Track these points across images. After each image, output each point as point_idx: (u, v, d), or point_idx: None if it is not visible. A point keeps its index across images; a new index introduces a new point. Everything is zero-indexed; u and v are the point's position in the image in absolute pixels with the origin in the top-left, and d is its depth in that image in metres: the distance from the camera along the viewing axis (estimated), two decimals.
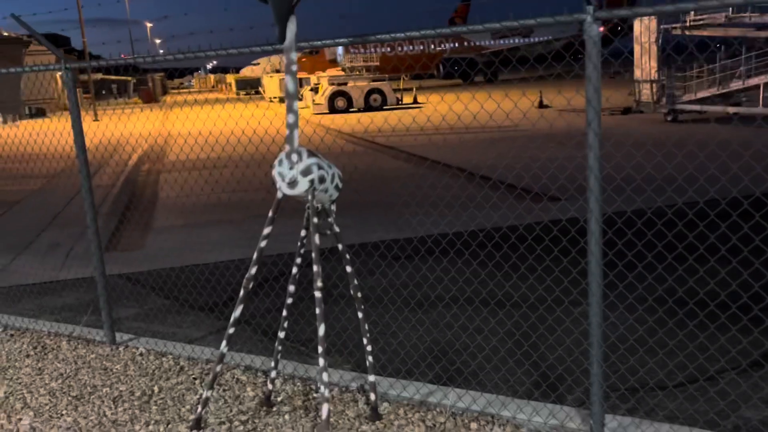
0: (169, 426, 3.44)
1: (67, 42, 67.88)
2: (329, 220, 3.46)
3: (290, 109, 3.27)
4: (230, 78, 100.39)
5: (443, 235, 6.32)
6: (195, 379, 4.05)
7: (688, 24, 17.80)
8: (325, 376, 3.09)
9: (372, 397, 3.52)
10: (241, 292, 3.40)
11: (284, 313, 3.62)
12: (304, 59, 62.90)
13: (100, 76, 64.43)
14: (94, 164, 17.55)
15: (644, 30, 18.13)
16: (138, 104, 59.46)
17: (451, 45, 63.69)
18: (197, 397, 3.79)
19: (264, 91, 50.19)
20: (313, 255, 3.23)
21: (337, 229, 3.49)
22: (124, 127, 30.15)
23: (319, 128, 23.87)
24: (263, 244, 3.40)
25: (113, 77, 64.45)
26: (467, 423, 3.39)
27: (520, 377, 3.92)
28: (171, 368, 4.22)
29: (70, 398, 3.81)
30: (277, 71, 73.09)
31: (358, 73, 46.41)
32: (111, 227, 9.83)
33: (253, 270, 3.40)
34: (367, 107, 31.91)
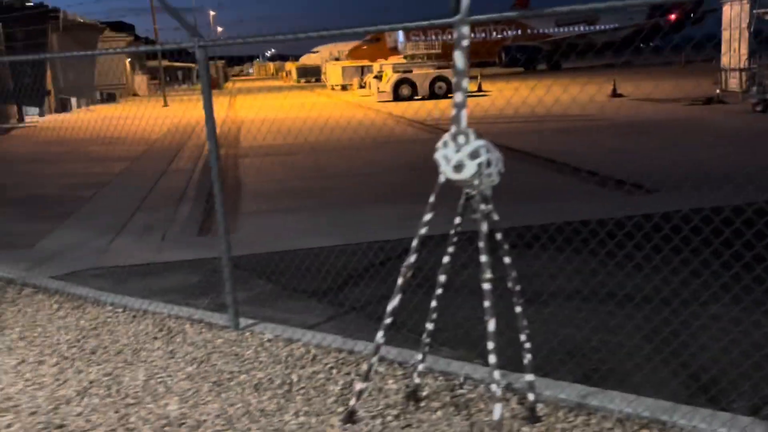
0: (321, 418, 3.31)
1: (132, 29, 69.48)
2: (489, 206, 3.24)
3: (459, 88, 3.07)
4: (289, 66, 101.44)
5: (545, 226, 6.02)
6: (331, 368, 3.92)
7: None
8: (497, 374, 2.90)
9: (530, 397, 3.32)
10: (399, 281, 3.23)
11: (434, 303, 3.44)
12: (364, 47, 62.82)
13: (165, 62, 65.89)
14: (171, 148, 17.95)
15: (735, 15, 17.26)
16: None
17: (514, 33, 62.50)
18: (338, 388, 3.66)
19: (326, 79, 50.31)
20: (481, 244, 3.03)
21: (496, 217, 3.28)
22: (193, 113, 30.75)
23: (387, 116, 23.68)
24: (423, 231, 3.22)
25: (178, 64, 65.79)
26: (637, 430, 3.14)
27: (666, 378, 3.64)
28: (303, 356, 4.11)
29: (209, 384, 3.73)
30: (337, 59, 73.49)
31: (420, 60, 45.97)
32: (199, 211, 9.89)
33: (413, 258, 3.22)
34: (432, 95, 31.57)
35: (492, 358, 2.89)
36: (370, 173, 12.07)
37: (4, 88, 24.50)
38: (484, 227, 3.04)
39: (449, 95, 31.98)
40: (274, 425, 3.25)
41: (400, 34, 59.56)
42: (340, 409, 3.41)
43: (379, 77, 35.47)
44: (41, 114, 29.63)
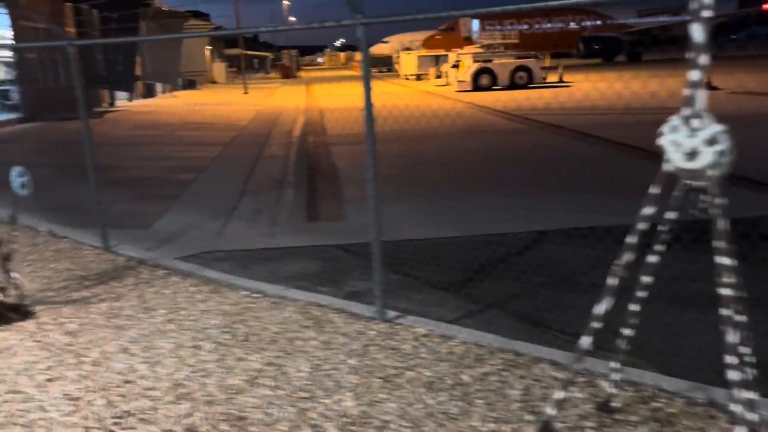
0: (512, 426, 3.04)
1: (208, 17, 70.84)
2: (724, 200, 2.86)
3: (695, 65, 2.71)
4: (359, 56, 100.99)
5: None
6: (501, 370, 3.64)
7: None
8: (741, 393, 2.55)
9: (752, 417, 2.95)
10: (610, 281, 2.91)
11: (634, 308, 3.10)
12: (438, 36, 62.14)
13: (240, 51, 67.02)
14: (260, 135, 18.01)
15: None
16: (277, 79, 61.32)
17: (592, 23, 60.55)
18: (517, 393, 3.38)
19: (399, 69, 50.02)
20: (719, 244, 2.68)
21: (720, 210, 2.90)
22: (273, 100, 31.06)
23: (470, 106, 23.21)
24: (642, 226, 2.88)
25: (253, 53, 66.82)
26: None
27: None
28: (465, 355, 3.85)
29: (378, 380, 3.51)
30: (408, 49, 73.01)
31: (495, 50, 45.07)
32: (302, 196, 9.80)
33: (630, 256, 2.89)
34: (513, 85, 30.88)
35: (734, 375, 2.55)
36: (470, 162, 11.73)
37: (97, 72, 25.23)
38: (722, 224, 2.68)
39: (530, 85, 31.29)
40: (465, 431, 3.00)
41: (475, 24, 58.65)
42: (528, 417, 3.13)
43: (456, 66, 34.97)
44: (130, 99, 30.54)
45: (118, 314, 4.51)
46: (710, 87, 23.73)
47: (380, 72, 66.82)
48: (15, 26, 20.45)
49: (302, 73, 72.88)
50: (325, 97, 30.87)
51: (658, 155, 2.78)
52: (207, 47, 45.46)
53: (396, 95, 31.06)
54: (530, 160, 11.63)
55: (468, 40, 56.36)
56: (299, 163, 12.97)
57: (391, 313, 4.55)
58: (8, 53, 21.13)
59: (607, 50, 56.69)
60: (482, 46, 46.47)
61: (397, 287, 5.59)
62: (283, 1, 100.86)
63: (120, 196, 10.02)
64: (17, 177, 4.12)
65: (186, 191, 10.40)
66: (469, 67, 31.67)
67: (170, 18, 30.23)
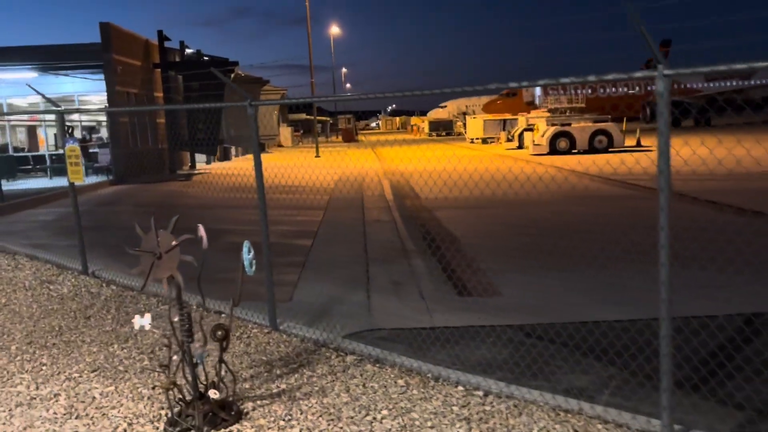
0: None
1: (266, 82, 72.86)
2: None
3: None
4: (416, 120, 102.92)
5: None
6: None
7: None
8: None
9: None
10: None
11: None
12: (499, 102, 62.41)
13: (304, 116, 68.45)
14: (353, 198, 17.54)
15: None
16: (339, 142, 62.05)
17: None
18: None
19: (466, 132, 49.93)
20: None
21: None
22: (348, 163, 30.90)
23: (556, 170, 22.44)
24: None
25: (318, 117, 68.11)
26: None
27: None
28: None
29: None
30: (464, 114, 73.36)
31: (561, 114, 44.55)
32: (434, 266, 9.10)
33: None
34: (591, 149, 30.12)
35: None
36: (589, 230, 10.87)
37: (180, 136, 25.60)
38: None
39: (610, 149, 30.44)
40: None
41: (537, 89, 58.76)
42: None
43: (530, 130, 34.54)
44: (208, 162, 30.91)
45: (338, 416, 3.82)
46: None
47: (439, 135, 67.16)
48: (110, 91, 20.93)
49: (362, 137, 73.73)
50: (396, 160, 30.56)
51: None
52: (275, 112, 46.37)
53: (468, 158, 30.57)
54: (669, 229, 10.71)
55: (530, 105, 56.29)
56: (410, 228, 12.35)
57: (677, 427, 3.71)
58: (100, 117, 21.57)
59: (673, 115, 55.65)
60: (549, 110, 46.12)
61: (625, 383, 4.76)
62: (342, 69, 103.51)
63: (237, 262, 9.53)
64: (247, 254, 3.56)
65: (308, 258, 9.85)
66: (546, 130, 31.14)
67: (250, 83, 30.80)
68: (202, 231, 3.42)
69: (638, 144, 32.18)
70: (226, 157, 32.71)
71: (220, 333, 3.50)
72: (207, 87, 24.22)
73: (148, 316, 3.60)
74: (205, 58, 28.10)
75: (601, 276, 7.79)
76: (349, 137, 63.22)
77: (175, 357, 3.61)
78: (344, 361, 4.80)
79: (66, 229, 13.39)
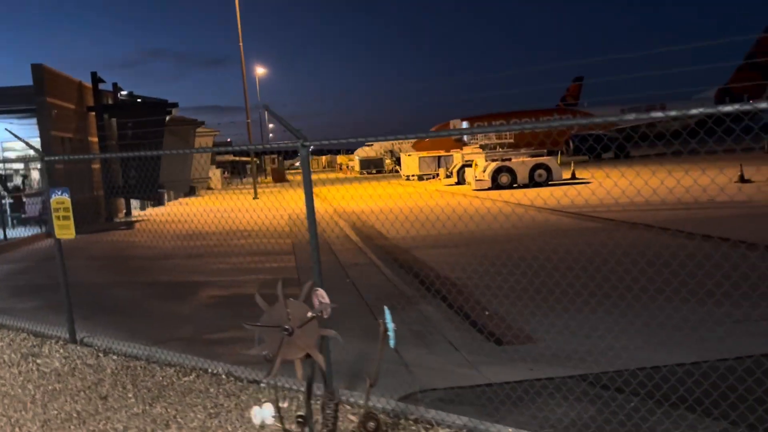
0: None
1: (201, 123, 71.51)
2: None
3: None
4: (343, 159, 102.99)
5: None
6: None
7: None
8: None
9: None
10: None
11: None
12: (427, 140, 63.27)
13: (231, 157, 66.98)
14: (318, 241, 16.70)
15: None
16: (270, 182, 60.88)
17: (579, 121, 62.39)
18: None
19: (401, 170, 50.06)
20: None
21: None
22: (289, 204, 29.95)
23: (506, 204, 22.49)
24: None
25: (245, 158, 66.84)
26: None
27: None
28: None
29: None
30: (391, 152, 73.88)
31: (492, 150, 45.48)
32: (447, 313, 8.59)
33: None
34: (532, 183, 30.66)
35: None
36: (586, 267, 10.52)
37: (115, 183, 24.19)
38: None
39: (549, 182, 31.06)
40: None
41: (465, 125, 60.10)
42: None
43: (468, 166, 34.98)
44: (142, 207, 29.34)
45: None
46: (743, 180, 23.66)
47: (370, 173, 67.18)
48: (44, 136, 19.44)
49: (290, 176, 72.68)
50: (339, 198, 29.83)
51: None
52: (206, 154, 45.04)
53: (418, 195, 30.42)
54: (663, 263, 10.51)
55: (459, 141, 57.26)
56: (396, 270, 11.80)
57: None
58: (34, 164, 20.06)
59: (595, 148, 57.93)
60: (480, 146, 46.99)
61: None
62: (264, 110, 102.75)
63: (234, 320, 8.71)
64: (390, 321, 2.93)
65: None
66: (487, 165, 31.53)
67: (185, 124, 29.66)
68: (323, 296, 2.79)
69: (573, 176, 33.03)
70: (160, 202, 31.20)
71: (371, 424, 2.84)
72: (143, 130, 23.05)
73: (269, 407, 2.91)
74: (139, 100, 26.89)
75: (631, 313, 7.49)
76: (280, 177, 62.35)
77: None
78: None
79: (22, 288, 12.04)
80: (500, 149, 40.80)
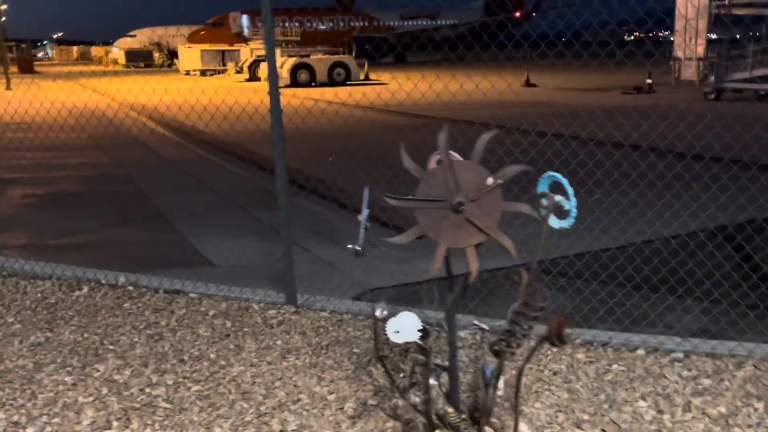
0: None
1: None
2: None
3: None
4: (98, 51, 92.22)
5: None
6: None
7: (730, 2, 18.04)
8: None
9: None
10: None
11: None
12: (203, 32, 58.80)
13: None
14: (114, 135, 14.53)
15: (691, 6, 18.17)
16: (17, 73, 52.34)
17: (362, 23, 62.54)
18: None
19: (180, 63, 45.90)
20: None
21: None
22: (60, 96, 25.28)
23: (314, 102, 21.64)
24: None
25: None
26: None
27: None
28: None
29: None
30: (158, 44, 67.88)
31: (278, 46, 43.71)
32: (328, 209, 7.82)
33: None
34: (331, 82, 30.06)
35: None
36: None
37: None
38: None
39: (348, 82, 30.61)
40: None
41: (245, 19, 56.71)
42: None
43: (261, 61, 33.17)
44: None
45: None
46: (529, 84, 25.54)
47: (138, 67, 60.98)
48: None
49: (39, 68, 63.12)
50: (120, 93, 26.26)
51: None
52: None
53: (213, 90, 27.69)
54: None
55: (239, 36, 53.99)
56: (239, 164, 10.56)
57: None
58: None
59: (375, 51, 58.74)
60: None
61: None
62: None
63: (87, 223, 7.02)
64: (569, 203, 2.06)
65: (161, 209, 7.67)
66: (285, 61, 30.05)
67: None
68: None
69: (367, 78, 33.02)
70: None
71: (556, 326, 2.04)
72: None
73: (413, 318, 1.97)
74: None
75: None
76: (28, 67, 53.79)
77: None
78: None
79: None
80: (288, 46, 39.21)
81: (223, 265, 5.53)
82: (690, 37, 18.37)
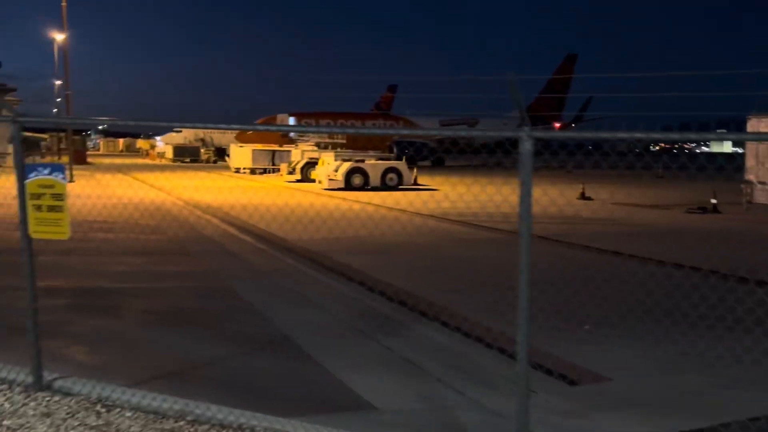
0: None
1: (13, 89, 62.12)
2: None
3: None
4: (143, 144, 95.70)
5: None
6: None
7: None
8: None
9: None
10: None
11: None
12: (250, 132, 60.73)
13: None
14: (195, 238, 14.47)
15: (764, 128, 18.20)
16: (68, 164, 54.12)
17: (403, 127, 64.47)
18: None
19: (230, 161, 47.20)
20: None
21: None
22: (115, 191, 25.75)
23: (377, 208, 21.71)
24: None
25: (40, 135, 58.66)
26: None
27: None
28: None
29: None
30: (202, 140, 70.17)
31: (324, 148, 44.78)
32: (461, 343, 7.49)
33: None
34: (383, 186, 30.48)
35: None
36: (562, 288, 9.87)
37: None
38: None
39: (400, 186, 30.93)
40: None
41: (291, 120, 58.73)
42: None
43: (314, 163, 33.89)
44: None
45: None
46: (583, 197, 25.43)
47: (183, 162, 62.83)
48: None
49: (90, 159, 65.37)
50: (180, 189, 26.76)
51: None
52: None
53: (269, 191, 28.31)
54: (625, 286, 10.16)
55: (286, 137, 55.71)
56: (341, 282, 10.32)
57: None
58: None
59: (416, 154, 60.05)
60: (315, 144, 45.98)
61: None
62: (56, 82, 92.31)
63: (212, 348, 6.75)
64: None
65: (281, 329, 7.41)
66: (340, 165, 30.69)
67: None
68: None
69: (415, 182, 33.49)
70: None
71: None
72: None
73: None
74: None
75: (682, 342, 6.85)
76: (82, 159, 55.77)
77: None
78: None
79: None
80: (341, 149, 39.99)
81: (387, 411, 5.19)
82: (763, 161, 18.31)
